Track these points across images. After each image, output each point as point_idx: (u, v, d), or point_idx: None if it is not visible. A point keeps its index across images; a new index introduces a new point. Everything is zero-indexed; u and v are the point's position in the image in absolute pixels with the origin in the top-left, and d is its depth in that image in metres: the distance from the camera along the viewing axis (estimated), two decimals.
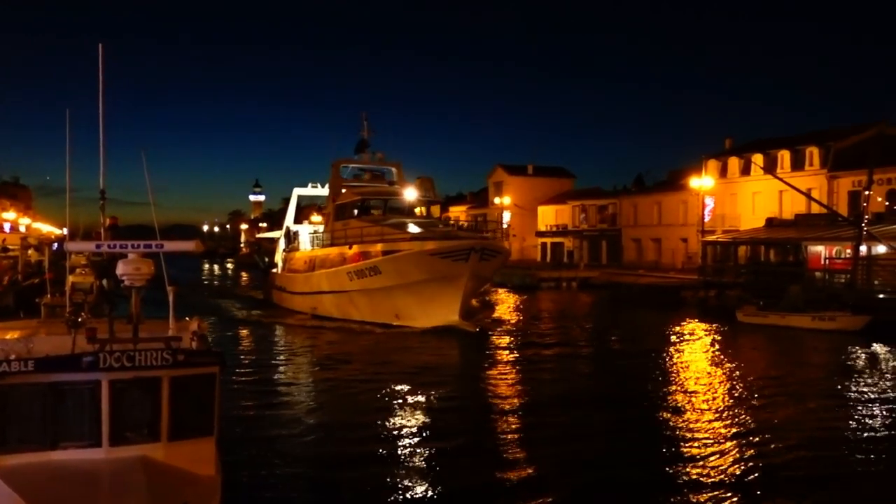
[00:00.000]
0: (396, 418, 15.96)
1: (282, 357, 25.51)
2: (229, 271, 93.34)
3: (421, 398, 18.02)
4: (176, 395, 7.61)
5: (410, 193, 36.86)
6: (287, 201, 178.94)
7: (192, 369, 7.74)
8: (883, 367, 22.68)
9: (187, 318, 10.18)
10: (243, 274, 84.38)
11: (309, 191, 48.23)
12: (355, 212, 35.52)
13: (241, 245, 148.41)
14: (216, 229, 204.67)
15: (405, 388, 19.10)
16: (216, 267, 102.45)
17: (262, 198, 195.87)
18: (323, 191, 45.99)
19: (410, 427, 15.17)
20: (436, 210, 37.16)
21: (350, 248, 32.69)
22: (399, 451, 13.40)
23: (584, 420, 15.93)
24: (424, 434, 14.63)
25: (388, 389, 18.74)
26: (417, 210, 36.35)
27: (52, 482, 6.89)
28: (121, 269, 8.26)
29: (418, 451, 13.45)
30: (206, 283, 70.45)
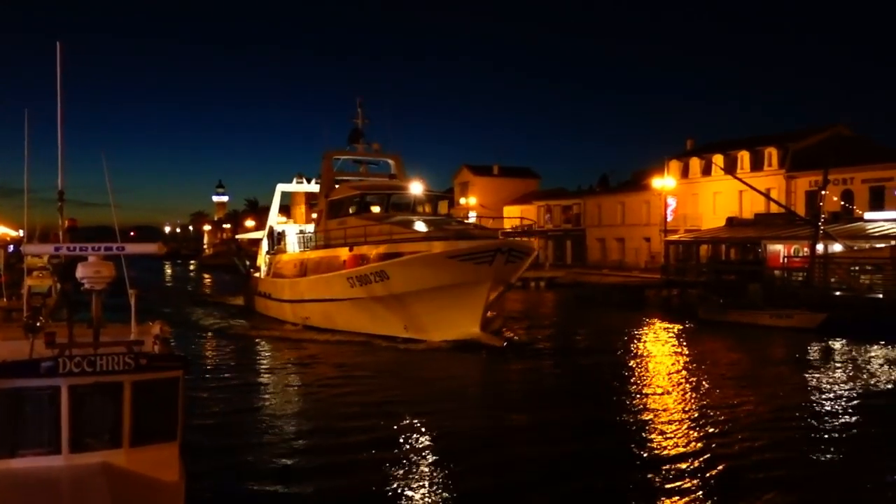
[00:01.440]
0: (385, 434, 14.52)
1: (268, 376, 22.25)
2: (192, 274, 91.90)
3: (414, 417, 15.77)
4: (138, 400, 7.49)
5: (416, 187, 32.28)
6: (251, 203, 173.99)
7: (154, 373, 7.63)
8: (838, 363, 23.26)
9: (150, 322, 10.03)
10: (206, 276, 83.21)
11: (294, 186, 42.55)
12: (351, 209, 31.20)
13: (205, 246, 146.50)
14: (178, 230, 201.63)
15: (407, 409, 16.51)
16: (179, 269, 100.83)
17: (225, 198, 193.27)
18: (310, 186, 41.39)
19: (395, 441, 14.46)
20: (443, 206, 32.69)
21: (350, 249, 28.46)
22: (380, 464, 13.24)
23: (554, 419, 16.06)
24: (402, 447, 14.13)
25: (390, 413, 16.21)
26: (421, 206, 31.83)
27: (10, 490, 6.74)
28: (80, 271, 8.09)
29: (394, 463, 13.23)
30: (170, 286, 69.10)
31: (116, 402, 7.41)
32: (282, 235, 39.41)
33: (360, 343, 26.90)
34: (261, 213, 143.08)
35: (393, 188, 32.49)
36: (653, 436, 14.58)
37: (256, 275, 41.76)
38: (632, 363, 23.50)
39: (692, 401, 17.78)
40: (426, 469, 12.48)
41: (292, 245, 37.32)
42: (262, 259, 41.83)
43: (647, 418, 16.08)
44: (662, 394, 18.72)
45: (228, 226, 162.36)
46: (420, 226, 27.25)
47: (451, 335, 25.30)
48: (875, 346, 25.40)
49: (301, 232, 37.39)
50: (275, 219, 42.18)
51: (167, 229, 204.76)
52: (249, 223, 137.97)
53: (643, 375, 21.57)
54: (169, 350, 9.02)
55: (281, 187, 42.34)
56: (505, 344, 25.46)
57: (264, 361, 25.45)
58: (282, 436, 14.69)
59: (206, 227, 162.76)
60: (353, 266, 27.99)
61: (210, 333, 31.31)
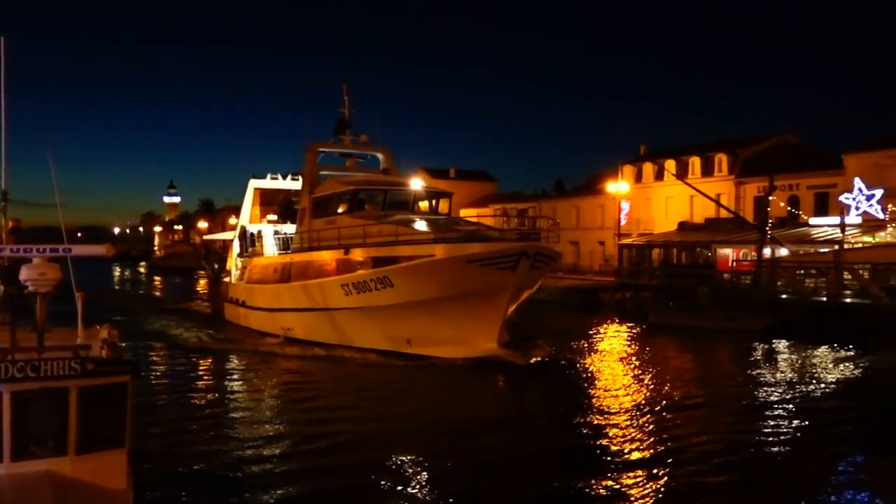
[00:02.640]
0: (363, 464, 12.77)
1: (237, 392, 19.79)
2: (143, 276, 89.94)
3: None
4: (85, 406, 7.30)
5: (416, 183, 29.78)
6: (206, 204, 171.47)
7: (102, 378, 7.44)
8: (782, 364, 23.91)
9: (97, 326, 9.79)
10: (157, 278, 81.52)
11: (268, 183, 39.01)
12: (342, 207, 27.49)
13: (156, 248, 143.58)
14: (128, 231, 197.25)
15: (402, 443, 14.08)
16: (129, 271, 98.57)
17: (176, 199, 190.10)
18: (286, 182, 38.61)
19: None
20: (444, 205, 28.94)
21: (345, 252, 25.03)
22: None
23: (514, 419, 16.15)
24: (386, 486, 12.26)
25: (378, 441, 14.42)
26: (420, 205, 28.51)
27: None
28: (24, 274, 7.84)
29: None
30: (121, 290, 67.41)
31: (62, 409, 7.21)
32: (258, 236, 35.80)
33: (352, 360, 23.88)
34: (215, 215, 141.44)
35: (390, 184, 28.70)
36: (602, 440, 14.78)
37: (227, 279, 38.06)
38: (588, 366, 23.74)
39: (641, 403, 18.05)
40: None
41: (270, 247, 33.94)
42: (233, 262, 38.16)
43: (598, 422, 16.30)
44: (613, 396, 18.96)
45: (180, 227, 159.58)
46: (426, 226, 23.94)
47: (462, 352, 22.29)
48: (818, 348, 26.16)
49: (278, 233, 34.39)
50: (247, 218, 38.25)
51: (116, 230, 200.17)
52: (202, 224, 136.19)
53: (596, 378, 21.81)
54: (117, 354, 8.81)
55: (254, 183, 38.75)
56: (528, 362, 22.24)
57: (235, 377, 22.56)
58: (242, 449, 14.09)
59: (157, 229, 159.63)
60: (339, 272, 25.06)
61: (174, 345, 27.67)
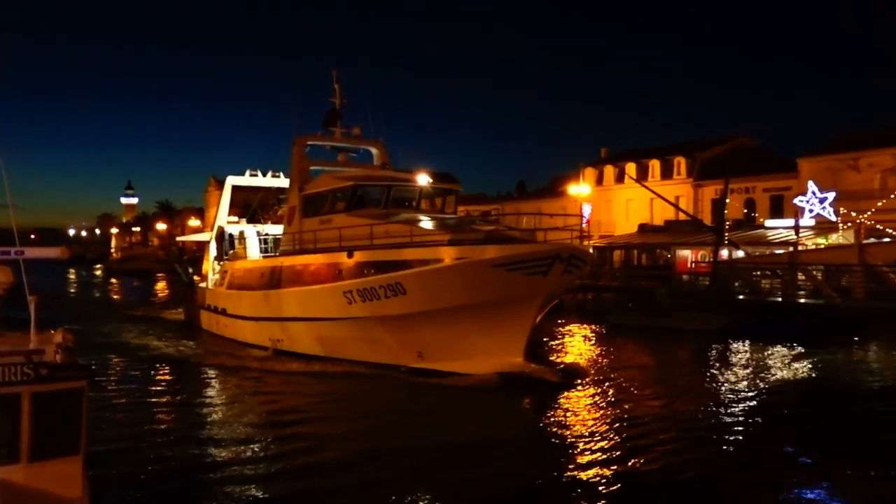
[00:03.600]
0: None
1: (215, 407, 17.98)
2: (99, 279, 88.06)
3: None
4: (38, 412, 7.14)
5: (423, 179, 27.32)
6: (165, 205, 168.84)
7: (56, 384, 7.29)
8: (739, 363, 24.40)
9: (51, 330, 9.57)
10: (114, 281, 79.89)
11: (247, 180, 36.14)
12: (340, 205, 24.66)
13: (112, 250, 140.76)
14: (84, 234, 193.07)
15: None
16: (84, 274, 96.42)
17: (134, 200, 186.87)
18: (265, 180, 35.95)
19: None
20: (450, 202, 26.35)
21: (349, 255, 22.35)
22: None
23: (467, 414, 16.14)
24: None
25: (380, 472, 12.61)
26: (427, 202, 25.91)
27: None
28: None
29: None
30: (78, 294, 65.80)
31: (14, 415, 7.05)
32: (239, 238, 33.13)
33: (351, 375, 21.48)
34: (174, 216, 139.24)
35: (393, 179, 25.60)
36: (554, 437, 14.92)
37: (202, 285, 35.07)
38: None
39: (600, 403, 18.26)
40: None
41: (254, 249, 31.18)
42: (210, 266, 35.16)
43: (554, 419, 16.45)
44: (572, 397, 19.13)
45: (138, 229, 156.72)
46: (439, 226, 21.62)
47: (483, 367, 19.83)
48: (773, 347, 26.76)
49: (260, 233, 32.07)
50: (225, 218, 35.35)
51: (72, 232, 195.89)
52: (161, 226, 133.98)
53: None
54: (73, 359, 8.63)
55: (232, 181, 36.03)
56: (560, 379, 19.97)
57: (214, 392, 20.52)
58: (208, 462, 13.61)
59: (114, 230, 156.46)
60: (341, 277, 22.43)
61: (146, 357, 25.38)
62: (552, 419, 16.71)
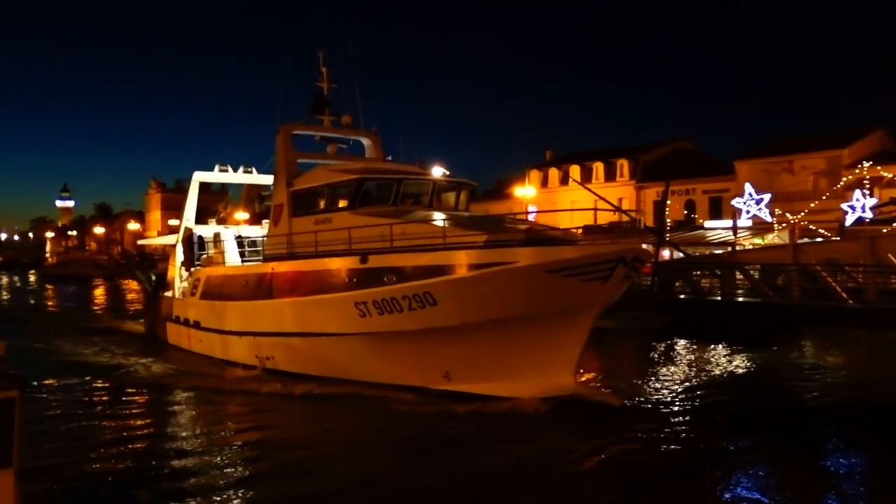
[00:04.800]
0: None
1: (192, 443, 14.95)
2: (33, 285, 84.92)
3: None
4: None
5: (437, 171, 24.45)
6: (103, 208, 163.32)
7: None
8: (678, 362, 24.92)
9: None
10: (49, 287, 77.16)
11: (216, 176, 32.28)
12: (340, 203, 21.47)
13: (47, 255, 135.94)
14: (17, 238, 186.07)
15: None
16: (18, 279, 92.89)
17: (70, 203, 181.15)
18: (237, 176, 32.32)
19: None
20: (464, 198, 23.08)
21: (363, 260, 19.01)
22: None
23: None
24: None
25: None
26: (441, 198, 22.39)
27: None
28: None
29: None
30: (12, 300, 63.31)
31: None
32: (213, 240, 29.40)
33: (361, 398, 18.35)
34: (113, 220, 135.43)
35: (403, 172, 22.44)
36: (496, 436, 14.95)
37: (168, 294, 31.37)
38: None
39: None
40: None
41: (233, 254, 27.44)
42: (177, 272, 31.02)
43: (495, 418, 16.49)
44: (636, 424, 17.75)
45: (74, 233, 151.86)
46: (473, 224, 18.62)
47: (527, 389, 17.05)
48: (713, 345, 27.46)
49: (240, 236, 28.63)
50: (193, 219, 31.54)
51: (3, 236, 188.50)
52: (98, 230, 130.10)
53: None
54: (3, 368, 8.27)
55: (200, 177, 31.86)
56: (623, 403, 17.49)
57: (182, 420, 17.29)
58: (154, 475, 12.79)
59: (49, 234, 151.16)
60: (352, 286, 19.09)
61: (104, 375, 22.32)
62: (612, 452, 14.27)
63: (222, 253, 27.64)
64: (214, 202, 32.89)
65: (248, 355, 23.16)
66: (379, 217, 19.55)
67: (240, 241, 28.01)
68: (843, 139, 51.47)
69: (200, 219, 31.53)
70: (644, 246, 17.83)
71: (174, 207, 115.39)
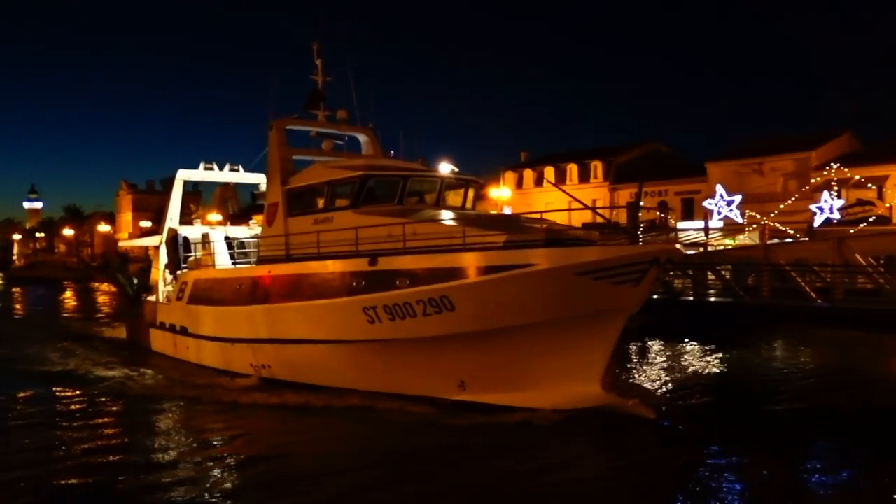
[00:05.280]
0: None
1: (184, 460, 13.78)
2: (0, 288, 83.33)
3: None
4: None
5: (445, 168, 23.08)
6: (73, 210, 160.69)
7: None
8: (654, 362, 25.23)
9: None
10: (16, 290, 75.76)
11: (201, 174, 30.73)
12: (340, 201, 20.14)
13: (14, 258, 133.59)
14: None
15: None
16: None
17: (38, 205, 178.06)
18: (223, 174, 30.89)
19: None
20: (471, 196, 21.74)
21: (372, 262, 17.63)
22: None
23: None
24: None
25: None
26: (448, 196, 21.31)
27: None
28: None
29: None
30: None
31: None
32: (202, 241, 27.45)
33: (368, 410, 17.06)
34: (83, 221, 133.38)
35: (409, 168, 21.30)
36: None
37: (150, 298, 29.92)
38: None
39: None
40: None
41: (223, 256, 26.15)
42: (161, 275, 29.37)
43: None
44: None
45: (42, 235, 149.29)
46: (491, 223, 17.49)
47: (549, 399, 16.05)
48: (687, 344, 27.81)
49: (229, 237, 27.14)
50: (177, 219, 30.03)
51: None
52: (68, 232, 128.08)
53: None
54: None
55: (183, 175, 30.25)
56: (658, 414, 16.26)
57: (178, 431, 16.24)
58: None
59: (17, 237, 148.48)
60: (359, 290, 17.68)
61: (91, 390, 20.52)
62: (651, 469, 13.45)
63: (212, 255, 26.12)
64: (185, 201, 31.90)
65: (242, 363, 21.92)
66: (386, 216, 18.21)
67: (229, 242, 26.73)
68: (811, 141, 52.34)
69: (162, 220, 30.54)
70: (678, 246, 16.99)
71: (145, 209, 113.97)
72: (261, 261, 22.58)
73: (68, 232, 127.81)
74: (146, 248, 37.55)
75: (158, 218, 32.04)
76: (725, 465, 13.52)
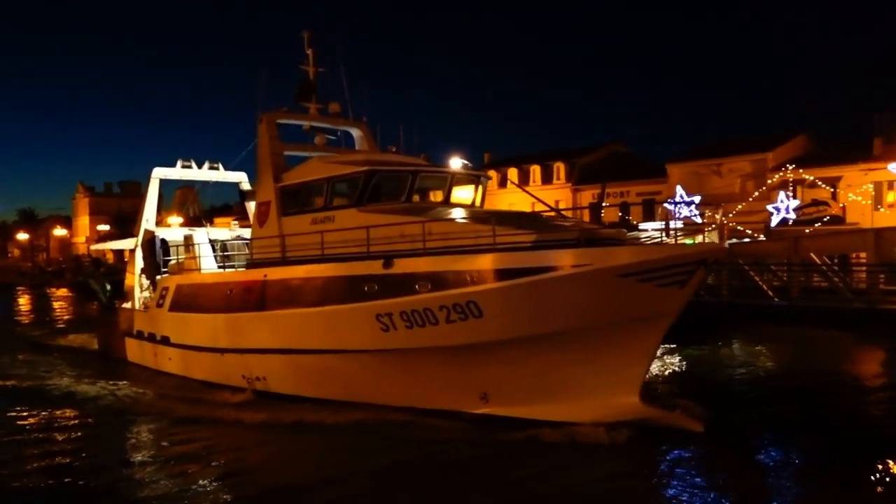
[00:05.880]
0: None
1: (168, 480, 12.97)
2: None
3: None
4: None
5: (456, 163, 21.67)
6: (27, 213, 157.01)
7: None
8: None
9: None
10: None
11: (178, 172, 28.62)
12: (341, 199, 18.83)
13: None
14: None
15: None
16: None
17: None
18: (202, 172, 28.84)
19: None
20: (479, 193, 20.49)
21: (386, 264, 16.12)
22: None
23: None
24: None
25: None
26: (467, 192, 20.06)
27: None
28: None
29: None
30: None
31: None
32: (185, 245, 25.80)
33: (380, 426, 15.77)
34: (38, 225, 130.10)
35: (415, 164, 19.83)
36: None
37: (126, 305, 28.04)
38: None
39: None
40: None
41: (209, 259, 24.42)
42: (136, 281, 27.49)
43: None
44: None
45: (107, 227, 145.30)
46: (521, 222, 15.93)
47: (584, 412, 14.73)
48: None
49: (214, 240, 25.45)
50: (153, 221, 28.12)
51: None
52: (22, 236, 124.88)
53: None
54: None
55: (160, 173, 28.12)
56: (705, 427, 14.62)
57: (155, 456, 14.63)
58: None
59: None
60: (370, 295, 16.20)
61: (63, 406, 19.17)
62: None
63: (196, 258, 24.43)
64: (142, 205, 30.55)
65: (234, 375, 20.23)
66: (397, 215, 16.92)
67: (212, 244, 25.09)
68: (768, 143, 53.45)
69: (124, 224, 29.66)
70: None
71: (103, 212, 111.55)
72: (252, 264, 21.02)
73: (23, 236, 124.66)
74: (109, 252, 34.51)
75: (117, 221, 31.31)
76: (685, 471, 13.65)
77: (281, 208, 20.22)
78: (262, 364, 19.35)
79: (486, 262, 14.65)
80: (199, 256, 24.34)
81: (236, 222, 27.79)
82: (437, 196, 19.39)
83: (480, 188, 20.06)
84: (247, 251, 23.47)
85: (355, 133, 24.88)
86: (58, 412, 18.66)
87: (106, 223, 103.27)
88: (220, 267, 23.60)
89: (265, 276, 19.64)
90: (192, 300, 22.63)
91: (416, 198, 18.84)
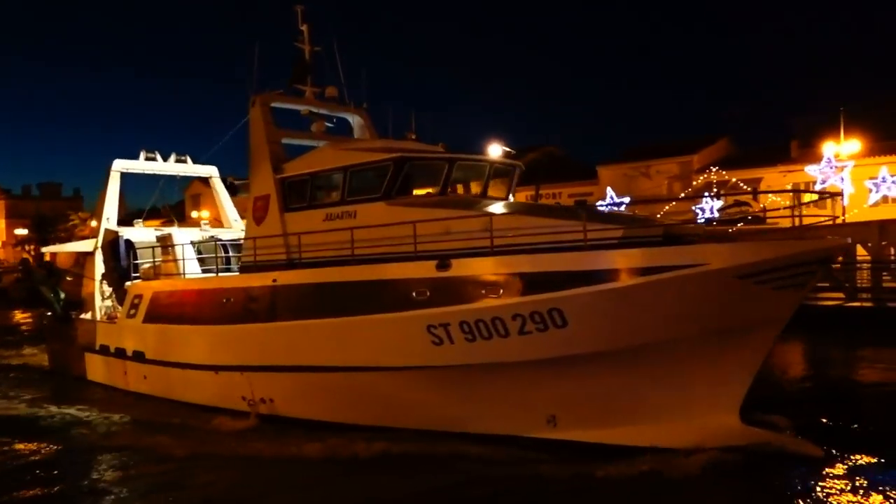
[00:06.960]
0: None
1: None
2: None
3: None
4: None
5: (495, 151, 18.13)
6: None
7: None
8: None
9: None
10: None
11: (141, 165, 25.36)
12: (360, 193, 16.08)
13: None
14: None
15: None
16: None
17: None
18: (167, 165, 25.81)
19: None
20: (512, 184, 18.79)
21: (441, 266, 13.44)
22: None
23: None
24: None
25: None
26: (495, 184, 18.05)
27: None
28: None
29: None
30: None
31: None
32: (162, 247, 22.72)
33: (426, 458, 13.08)
34: None
35: (447, 152, 17.31)
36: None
37: (85, 316, 24.54)
38: None
39: None
40: None
41: (192, 263, 21.24)
42: (97, 288, 23.94)
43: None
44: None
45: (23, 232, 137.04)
46: (606, 218, 14.50)
47: (673, 436, 12.50)
48: None
49: (194, 242, 22.54)
50: (115, 219, 24.52)
51: None
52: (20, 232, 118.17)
53: None
54: None
55: (120, 166, 24.83)
56: (822, 452, 12.28)
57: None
58: None
59: None
60: (418, 303, 13.63)
61: (10, 437, 15.94)
62: None
63: (177, 262, 21.38)
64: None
65: (232, 397, 17.36)
66: (444, 208, 14.58)
67: (200, 246, 22.41)
68: (692, 146, 55.31)
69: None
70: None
71: (20, 215, 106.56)
72: (248, 267, 18.05)
73: None
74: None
75: (35, 225, 29.09)
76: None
77: (283, 203, 17.55)
78: (270, 384, 16.65)
79: (580, 261, 12.17)
80: (181, 259, 21.09)
81: (206, 222, 25.73)
82: (476, 188, 17.41)
83: (515, 179, 18.04)
84: (223, 254, 21.38)
85: (354, 120, 22.11)
86: (20, 446, 15.33)
87: (24, 227, 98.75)
88: (203, 271, 20.78)
89: (274, 280, 16.77)
90: (175, 310, 19.59)
91: (485, 187, 16.92)
